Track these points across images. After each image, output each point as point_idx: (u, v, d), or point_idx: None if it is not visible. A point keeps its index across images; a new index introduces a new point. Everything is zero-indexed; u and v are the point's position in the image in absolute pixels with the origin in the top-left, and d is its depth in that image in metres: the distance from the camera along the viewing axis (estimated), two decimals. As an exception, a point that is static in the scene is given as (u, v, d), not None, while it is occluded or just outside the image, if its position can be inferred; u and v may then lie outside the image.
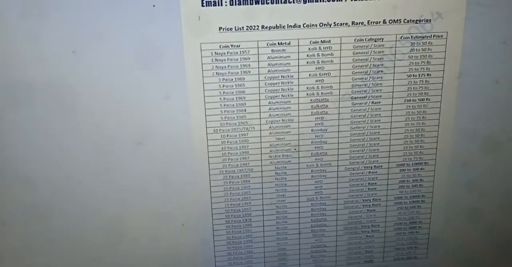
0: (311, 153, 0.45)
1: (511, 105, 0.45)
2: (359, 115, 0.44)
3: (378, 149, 0.45)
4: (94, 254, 0.46)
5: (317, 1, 0.40)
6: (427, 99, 0.44)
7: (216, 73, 0.42)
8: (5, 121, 0.41)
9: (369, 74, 0.43)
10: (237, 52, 0.41)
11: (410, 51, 0.43)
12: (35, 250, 0.45)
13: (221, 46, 0.41)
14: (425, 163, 0.46)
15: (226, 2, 0.40)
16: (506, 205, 0.49)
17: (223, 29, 0.41)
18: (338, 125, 0.44)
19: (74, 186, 0.44)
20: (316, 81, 0.43)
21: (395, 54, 0.43)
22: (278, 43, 0.41)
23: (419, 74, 0.44)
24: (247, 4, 0.40)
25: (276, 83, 0.43)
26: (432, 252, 0.49)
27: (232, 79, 0.42)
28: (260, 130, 0.44)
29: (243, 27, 0.41)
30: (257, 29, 0.41)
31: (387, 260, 0.49)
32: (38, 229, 0.45)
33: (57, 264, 0.46)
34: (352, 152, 0.45)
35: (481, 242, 0.50)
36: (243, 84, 0.42)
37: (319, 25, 0.41)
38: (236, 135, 0.44)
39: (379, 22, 0.42)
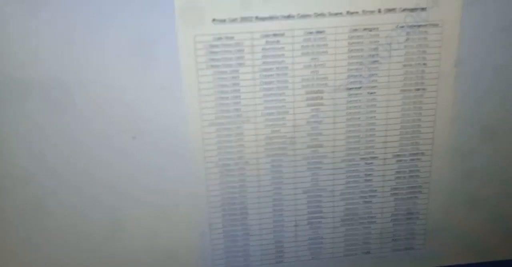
0: (307, 145, 0.45)
1: (508, 94, 0.45)
2: (355, 106, 0.44)
3: (374, 140, 0.45)
4: (91, 249, 0.46)
5: (311, -9, 0.40)
6: (423, 88, 0.44)
7: (211, 65, 0.41)
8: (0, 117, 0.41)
9: (364, 64, 0.43)
10: (231, 44, 0.41)
11: (406, 40, 0.42)
12: (34, 246, 0.45)
13: (215, 38, 0.40)
14: (421, 153, 0.46)
15: (219, -7, 0.39)
16: (503, 194, 0.49)
17: (217, 20, 0.40)
18: (334, 116, 0.44)
19: (70, 182, 0.43)
20: (311, 72, 0.42)
21: (390, 43, 0.42)
22: (272, 34, 0.41)
23: (415, 64, 0.43)
24: (240, -5, 0.40)
25: (270, 75, 0.42)
26: (429, 243, 0.49)
27: (226, 71, 0.41)
28: (256, 122, 0.43)
29: (236, 19, 0.40)
30: (251, 20, 0.40)
31: (385, 251, 0.49)
32: (37, 225, 0.45)
33: (56, 259, 0.46)
34: (348, 143, 0.45)
35: (478, 232, 0.50)
36: (238, 76, 0.42)
37: (314, 15, 0.41)
38: (231, 128, 0.43)
39: (374, 11, 0.41)
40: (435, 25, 0.42)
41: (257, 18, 0.40)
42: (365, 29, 0.42)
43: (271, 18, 0.40)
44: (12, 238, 0.45)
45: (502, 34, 0.43)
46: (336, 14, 0.41)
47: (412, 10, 0.41)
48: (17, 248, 0.45)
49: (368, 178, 0.46)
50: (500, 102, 0.45)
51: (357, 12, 0.41)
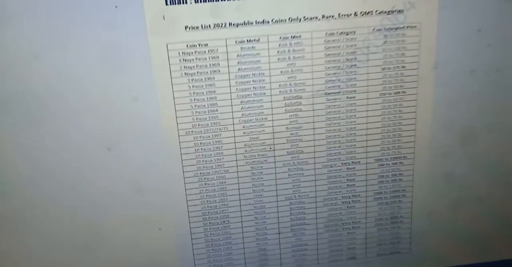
0: (287, 152, 0.44)
1: (487, 95, 0.45)
2: (334, 111, 0.43)
3: (355, 145, 0.45)
4: (70, 262, 0.45)
5: (285, -4, 0.39)
6: (403, 91, 0.43)
7: (185, 73, 0.40)
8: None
9: (342, 69, 0.42)
10: (205, 51, 0.40)
11: (384, 44, 0.42)
12: (10, 259, 0.44)
13: (188, 46, 0.40)
14: (403, 157, 0.45)
15: (191, -1, 0.38)
16: (487, 195, 0.48)
17: (190, 27, 0.39)
18: (313, 122, 0.43)
19: (48, 195, 0.43)
20: (288, 77, 0.42)
21: (368, 47, 0.42)
22: (247, 40, 0.40)
23: (393, 67, 0.43)
24: (213, 1, 0.39)
25: (247, 82, 0.41)
26: (415, 246, 0.49)
27: (201, 79, 0.41)
28: (234, 130, 0.43)
29: (210, 25, 0.39)
30: (225, 26, 0.40)
31: (370, 256, 0.49)
32: (12, 237, 0.44)
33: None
34: (328, 148, 0.44)
35: (463, 234, 0.49)
36: (213, 83, 0.41)
37: (289, 20, 0.40)
38: (209, 136, 0.43)
39: (350, 14, 0.41)
40: (413, 27, 0.42)
41: (230, 24, 0.39)
42: (341, 33, 0.41)
43: (245, 24, 0.40)
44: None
45: (479, 35, 0.42)
46: (311, 18, 0.40)
47: (389, 12, 0.41)
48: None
49: (351, 183, 0.46)
50: (480, 103, 0.45)
51: (332, 16, 0.40)
